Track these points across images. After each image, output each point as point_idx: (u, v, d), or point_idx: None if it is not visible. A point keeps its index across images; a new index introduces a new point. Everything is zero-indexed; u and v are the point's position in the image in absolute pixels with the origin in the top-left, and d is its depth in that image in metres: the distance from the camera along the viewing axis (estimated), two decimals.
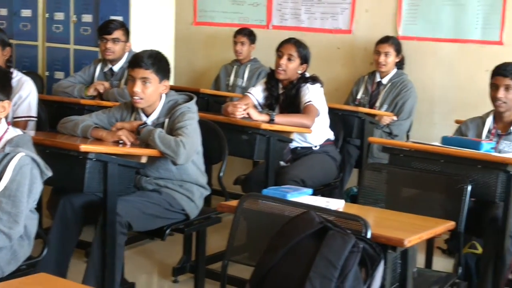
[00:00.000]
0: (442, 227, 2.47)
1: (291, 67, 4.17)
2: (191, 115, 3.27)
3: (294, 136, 4.10)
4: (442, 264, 3.95)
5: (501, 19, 4.79)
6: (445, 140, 3.37)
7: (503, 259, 3.20)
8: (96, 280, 3.02)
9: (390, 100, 4.93)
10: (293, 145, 4.21)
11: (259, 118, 3.87)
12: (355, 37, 5.40)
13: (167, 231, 3.22)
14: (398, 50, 4.99)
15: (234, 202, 2.50)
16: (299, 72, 4.21)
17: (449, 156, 3.19)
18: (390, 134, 4.81)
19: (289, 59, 4.17)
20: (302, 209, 2.27)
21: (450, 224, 2.52)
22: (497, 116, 3.73)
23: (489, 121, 3.75)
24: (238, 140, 3.78)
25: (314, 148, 4.26)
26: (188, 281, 3.84)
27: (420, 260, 3.53)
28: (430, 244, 3.68)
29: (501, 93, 3.61)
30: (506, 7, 4.77)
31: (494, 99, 3.66)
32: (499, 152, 3.54)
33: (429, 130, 4.98)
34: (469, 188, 2.94)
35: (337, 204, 2.56)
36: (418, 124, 5.05)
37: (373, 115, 4.72)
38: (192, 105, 3.34)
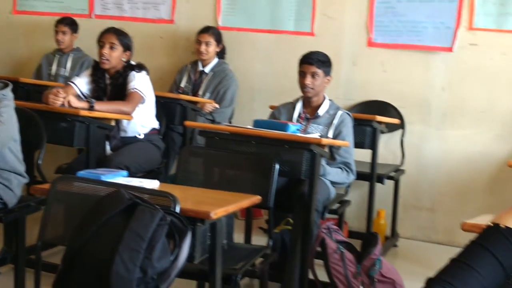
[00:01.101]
0: (248, 201, 2.66)
1: (114, 56, 4.24)
2: (6, 102, 3.23)
3: (126, 126, 4.20)
4: (262, 242, 4.18)
5: (312, 12, 5.14)
6: (257, 123, 3.59)
7: (311, 232, 3.46)
8: None
9: (212, 88, 5.12)
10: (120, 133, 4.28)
11: (79, 105, 3.89)
12: (177, 27, 5.54)
13: None
14: (219, 40, 5.19)
15: (47, 185, 2.53)
16: (124, 60, 4.29)
17: (260, 137, 3.41)
18: (213, 122, 4.99)
19: (111, 48, 4.23)
20: (116, 188, 2.36)
21: (256, 198, 2.71)
22: (306, 101, 4.03)
23: (299, 106, 4.03)
24: (57, 127, 3.78)
25: (138, 137, 4.35)
26: (9, 272, 3.77)
27: (241, 240, 3.77)
28: (248, 222, 3.92)
29: (308, 80, 3.90)
30: (316, 1, 5.13)
31: (302, 85, 3.94)
32: (307, 134, 3.83)
33: (250, 116, 5.20)
34: (277, 166, 3.16)
35: (151, 184, 2.67)
36: (239, 111, 5.29)
37: (196, 103, 4.87)
38: (7, 92, 3.30)
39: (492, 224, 1.49)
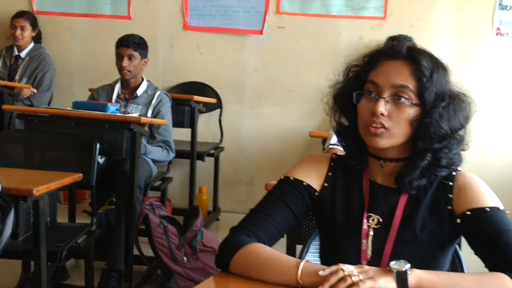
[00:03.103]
0: (70, 178, 2.74)
1: None
2: None
3: None
4: None
5: None
6: (76, 105, 3.66)
7: (133, 208, 3.59)
8: None
9: (29, 73, 5.07)
10: None
11: None
12: None
13: None
14: (34, 24, 5.14)
15: None
16: None
17: (80, 118, 3.49)
18: (32, 107, 4.93)
19: None
20: None
21: (78, 176, 2.80)
22: (124, 83, 4.15)
23: (118, 87, 4.15)
24: None
25: None
26: None
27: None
28: (72, 205, 3.98)
29: (125, 62, 4.03)
30: None
31: (120, 67, 4.06)
32: (127, 114, 3.95)
33: (70, 100, 5.16)
34: (98, 146, 3.25)
35: None
36: (59, 95, 5.28)
37: (12, 88, 4.80)
38: None
39: (283, 177, 1.74)
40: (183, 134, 4.73)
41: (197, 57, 5.27)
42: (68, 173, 2.85)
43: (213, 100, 4.98)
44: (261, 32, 5.15)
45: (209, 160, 4.97)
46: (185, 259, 3.61)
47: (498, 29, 4.91)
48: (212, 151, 4.97)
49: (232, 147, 5.27)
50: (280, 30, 5.14)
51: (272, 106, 5.22)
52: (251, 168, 5.31)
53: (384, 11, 5.01)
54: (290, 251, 2.54)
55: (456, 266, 1.88)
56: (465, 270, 1.86)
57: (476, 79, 4.94)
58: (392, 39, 3.94)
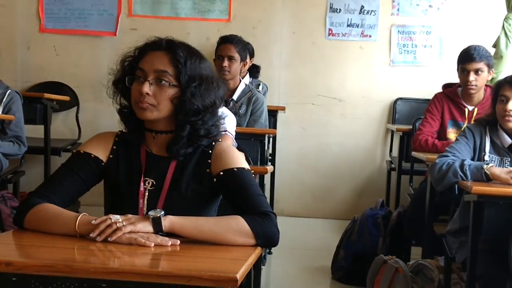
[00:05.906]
0: None
1: None
2: None
3: None
4: None
5: None
6: None
7: None
8: None
9: None
10: None
11: None
12: None
13: None
14: None
15: None
16: None
17: None
18: None
19: None
20: None
21: None
22: None
23: None
24: None
25: None
26: None
27: None
28: None
29: None
30: None
31: None
32: None
33: None
34: None
35: None
36: None
37: None
38: None
39: (75, 151, 2.10)
40: (41, 131, 4.95)
41: (54, 58, 5.52)
42: None
43: (66, 98, 5.22)
44: (114, 34, 5.47)
45: (68, 156, 5.20)
46: None
47: (330, 30, 5.46)
48: (69, 147, 5.22)
49: None
50: (133, 31, 5.47)
51: None
52: None
53: (228, 14, 5.45)
54: None
55: None
56: None
57: (312, 77, 5.48)
58: (223, 38, 4.38)
